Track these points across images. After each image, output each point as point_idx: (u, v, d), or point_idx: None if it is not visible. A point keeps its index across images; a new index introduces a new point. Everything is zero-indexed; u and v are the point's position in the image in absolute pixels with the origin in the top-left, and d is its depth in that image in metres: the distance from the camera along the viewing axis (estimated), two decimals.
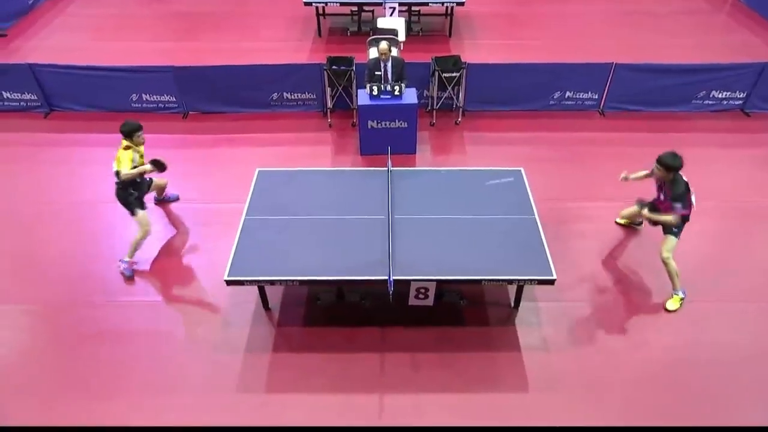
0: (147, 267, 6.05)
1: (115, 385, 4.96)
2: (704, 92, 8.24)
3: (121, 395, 4.89)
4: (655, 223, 5.52)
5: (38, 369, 5.10)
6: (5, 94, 8.24)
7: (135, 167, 5.61)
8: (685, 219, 5.37)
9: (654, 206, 5.52)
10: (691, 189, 5.26)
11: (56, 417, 4.73)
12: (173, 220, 6.63)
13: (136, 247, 5.93)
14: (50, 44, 10.03)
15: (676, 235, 5.41)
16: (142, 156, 5.77)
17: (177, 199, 6.85)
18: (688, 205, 5.24)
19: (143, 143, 5.77)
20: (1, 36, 10.16)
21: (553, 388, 4.94)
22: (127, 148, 5.61)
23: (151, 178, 6.17)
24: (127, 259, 5.92)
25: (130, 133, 5.61)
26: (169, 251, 6.25)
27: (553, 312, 5.55)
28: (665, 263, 5.47)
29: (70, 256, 6.16)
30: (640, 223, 6.38)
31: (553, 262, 5.03)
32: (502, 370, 5.07)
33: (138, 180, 5.79)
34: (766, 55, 9.48)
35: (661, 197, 5.45)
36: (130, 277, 5.91)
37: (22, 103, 8.33)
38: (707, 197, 6.79)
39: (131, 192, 5.77)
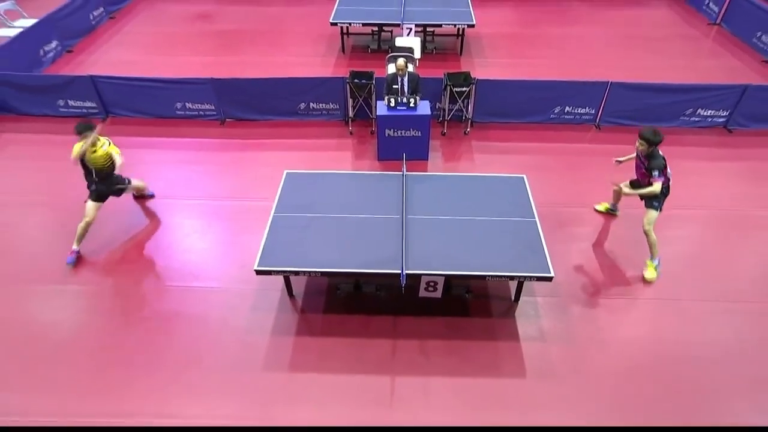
0: (186, 257, 6.00)
1: (157, 361, 4.92)
2: (691, 110, 8.01)
3: (161, 370, 4.84)
4: (641, 196, 5.53)
5: (89, 344, 5.08)
6: (70, 102, 8.29)
7: (84, 162, 5.68)
8: (665, 193, 5.41)
9: (637, 183, 5.64)
10: (668, 165, 5.30)
11: (103, 388, 4.70)
12: (209, 215, 6.57)
13: (81, 233, 5.84)
14: (109, 58, 10.07)
15: (657, 209, 5.47)
16: (93, 152, 5.66)
17: (153, 196, 6.78)
18: (663, 174, 5.29)
19: (94, 142, 5.62)
20: (68, 52, 10.22)
21: (548, 375, 4.80)
22: (80, 140, 5.65)
23: (128, 182, 6.14)
24: (74, 247, 5.86)
25: (79, 133, 5.61)
26: (205, 243, 6.19)
27: (551, 306, 5.39)
28: (646, 234, 5.54)
29: (121, 244, 6.14)
30: (616, 211, 6.44)
31: (552, 261, 4.88)
32: (502, 357, 4.93)
33: (97, 177, 5.79)
34: (748, 78, 9.23)
35: (643, 169, 5.49)
36: (71, 265, 5.80)
37: (83, 110, 8.34)
38: (693, 206, 6.61)
39: (93, 179, 5.79)
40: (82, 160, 5.68)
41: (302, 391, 4.66)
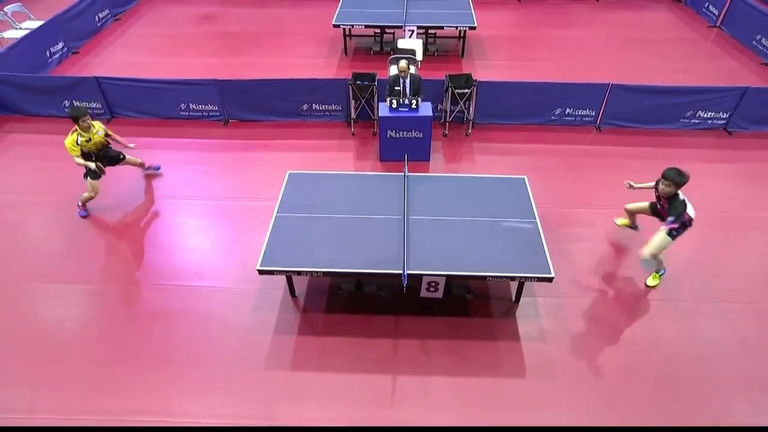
0: (189, 256, 5.99)
1: (159, 359, 4.91)
2: (691, 112, 7.97)
3: (164, 368, 4.83)
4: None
5: (92, 343, 5.07)
6: (75, 103, 8.26)
7: (82, 150, 5.94)
8: (685, 226, 5.16)
9: (655, 208, 5.42)
10: (689, 203, 5.08)
11: (107, 386, 4.69)
12: (212, 215, 6.57)
13: (85, 201, 6.29)
14: (114, 60, 10.07)
15: (673, 237, 5.19)
16: (88, 140, 5.94)
17: (158, 168, 7.16)
18: (682, 219, 5.06)
19: (89, 128, 5.89)
20: (74, 53, 10.23)
21: (548, 374, 4.78)
22: (73, 131, 5.86)
23: (122, 156, 6.48)
24: (79, 203, 6.37)
25: (75, 118, 5.79)
26: (208, 243, 6.18)
27: (551, 307, 5.37)
28: (653, 256, 5.30)
29: (125, 243, 6.14)
30: (637, 228, 6.09)
31: (552, 262, 4.85)
32: (502, 357, 4.91)
33: (95, 158, 6.08)
34: (748, 80, 9.21)
35: (658, 206, 5.32)
36: (85, 216, 6.35)
37: (89, 111, 8.29)
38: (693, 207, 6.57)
39: (92, 160, 6.07)
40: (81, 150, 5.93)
41: (303, 389, 4.65)
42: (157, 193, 6.89)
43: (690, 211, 5.10)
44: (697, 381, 4.74)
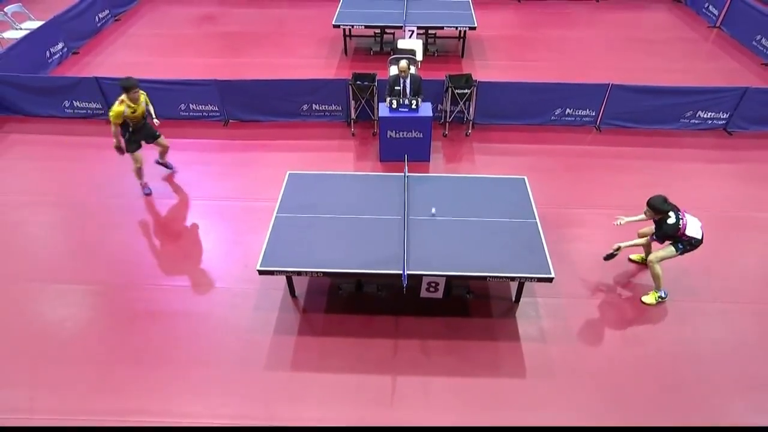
0: (189, 257, 5.99)
1: (160, 359, 4.91)
2: (691, 112, 7.97)
3: (164, 368, 4.83)
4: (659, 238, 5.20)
5: (93, 343, 5.07)
6: (75, 103, 8.29)
7: (125, 118, 6.14)
8: (693, 244, 5.12)
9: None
10: (693, 225, 5.05)
11: (107, 386, 4.69)
12: (212, 215, 6.57)
13: (138, 175, 6.68)
14: (114, 60, 10.07)
15: (677, 250, 5.15)
16: (134, 111, 6.16)
17: (173, 170, 7.24)
18: (668, 238, 5.09)
19: (137, 99, 6.13)
20: (74, 53, 10.23)
21: (548, 374, 4.78)
22: (121, 102, 6.05)
23: (156, 134, 6.65)
24: (141, 182, 6.75)
25: (126, 89, 6.04)
26: (208, 243, 6.18)
27: (551, 307, 5.37)
28: (650, 264, 5.28)
29: (125, 243, 6.14)
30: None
31: (552, 262, 4.85)
32: (502, 357, 4.91)
33: (132, 129, 6.32)
34: (748, 80, 9.21)
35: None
36: (148, 194, 6.74)
37: (88, 111, 8.35)
38: (693, 207, 6.50)
39: (127, 132, 6.32)
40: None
41: (303, 390, 4.65)
42: (157, 192, 6.89)
43: (693, 232, 5.06)
44: (698, 381, 4.74)
